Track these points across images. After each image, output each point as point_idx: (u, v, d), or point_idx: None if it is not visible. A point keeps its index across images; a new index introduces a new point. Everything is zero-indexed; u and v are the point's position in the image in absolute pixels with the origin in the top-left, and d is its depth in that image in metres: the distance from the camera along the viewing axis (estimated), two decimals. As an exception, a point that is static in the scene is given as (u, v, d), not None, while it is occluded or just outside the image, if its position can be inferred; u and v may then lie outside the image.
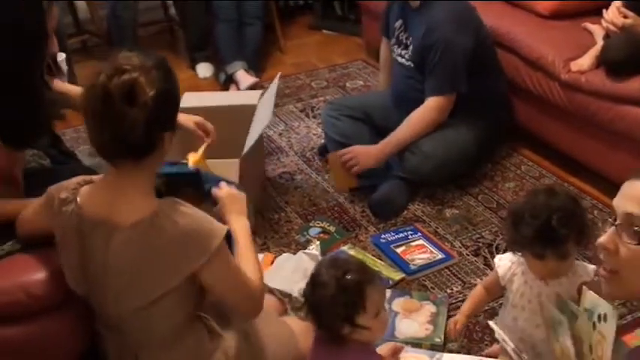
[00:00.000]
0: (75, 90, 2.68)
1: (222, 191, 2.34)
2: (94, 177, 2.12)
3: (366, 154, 3.44)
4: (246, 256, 2.20)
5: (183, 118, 2.74)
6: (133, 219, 1.99)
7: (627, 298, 1.70)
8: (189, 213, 2.03)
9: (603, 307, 1.73)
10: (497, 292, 2.46)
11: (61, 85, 2.78)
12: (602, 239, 1.67)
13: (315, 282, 2.13)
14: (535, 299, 2.31)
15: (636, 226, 1.62)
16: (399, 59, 3.63)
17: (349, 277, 2.11)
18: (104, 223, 2.01)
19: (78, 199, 2.06)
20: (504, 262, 2.38)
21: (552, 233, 2.13)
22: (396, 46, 3.65)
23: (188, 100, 3.68)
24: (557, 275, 2.27)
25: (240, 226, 2.27)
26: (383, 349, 2.44)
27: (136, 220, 1.99)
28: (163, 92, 1.95)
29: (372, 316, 2.11)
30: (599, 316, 1.75)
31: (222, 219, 2.24)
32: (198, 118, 2.95)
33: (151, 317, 2.10)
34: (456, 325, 2.47)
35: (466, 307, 2.51)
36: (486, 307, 2.81)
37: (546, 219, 2.13)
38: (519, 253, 2.30)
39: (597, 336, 1.76)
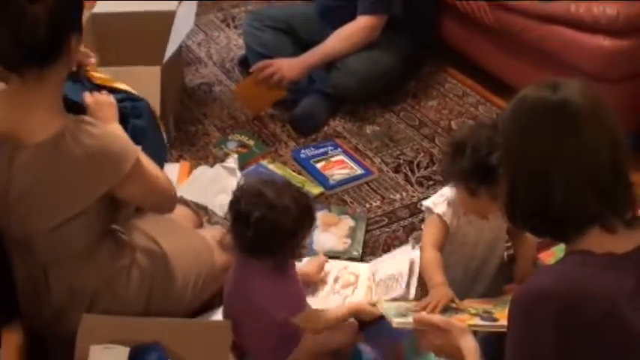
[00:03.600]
0: None
1: (90, 98, 2.23)
2: None
3: (288, 65, 3.34)
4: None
5: None
6: (38, 138, 1.90)
7: None
8: (98, 134, 1.95)
9: None
10: (446, 240, 2.30)
11: None
12: None
13: (272, 208, 2.04)
14: (479, 235, 2.29)
15: None
16: (329, -29, 3.53)
17: (304, 197, 2.13)
18: (7, 140, 1.92)
19: None
20: (443, 207, 2.26)
21: (489, 171, 2.02)
22: (325, -41, 3.54)
23: (105, 4, 3.54)
24: (489, 214, 2.22)
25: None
26: (309, 266, 2.43)
27: (42, 139, 1.90)
28: None
29: None
30: None
31: None
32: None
33: (61, 237, 2.03)
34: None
35: (440, 278, 2.19)
36: (405, 224, 2.81)
37: (486, 155, 2.04)
38: (452, 184, 2.22)
39: None
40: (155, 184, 2.11)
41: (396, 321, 2.06)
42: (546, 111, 1.52)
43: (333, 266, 2.53)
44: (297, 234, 2.10)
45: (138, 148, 2.04)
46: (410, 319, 2.03)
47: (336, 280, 2.49)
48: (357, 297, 2.43)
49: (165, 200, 2.21)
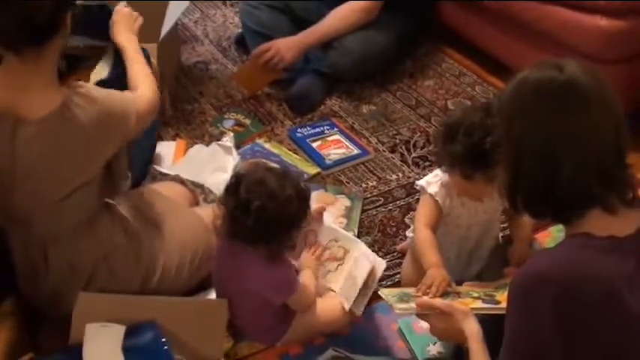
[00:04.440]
0: None
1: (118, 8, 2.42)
2: None
3: (286, 47, 3.32)
4: (138, 71, 2.29)
5: None
6: (41, 112, 1.91)
7: None
8: (98, 97, 1.98)
9: None
10: (441, 220, 2.29)
11: None
12: None
13: (274, 198, 2.03)
14: (472, 217, 2.28)
15: None
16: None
17: (303, 187, 2.12)
18: (6, 117, 1.92)
19: None
20: (436, 187, 2.25)
21: (483, 155, 2.00)
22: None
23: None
24: (483, 196, 2.21)
25: (130, 43, 2.37)
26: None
27: (46, 113, 1.91)
28: None
29: None
30: None
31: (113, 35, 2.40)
32: None
33: (64, 210, 2.05)
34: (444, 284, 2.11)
35: (434, 258, 2.18)
36: (402, 203, 2.81)
37: (479, 140, 2.01)
38: (444, 168, 2.20)
39: None
40: (150, 113, 2.20)
41: (399, 307, 2.05)
42: (554, 90, 1.51)
43: (325, 233, 2.44)
44: (297, 225, 2.09)
45: (134, 99, 2.11)
46: (412, 305, 2.03)
47: (324, 249, 2.43)
48: (338, 274, 2.38)
49: (153, 112, 2.27)
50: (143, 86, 2.22)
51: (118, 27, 2.39)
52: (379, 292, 2.22)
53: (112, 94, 2.05)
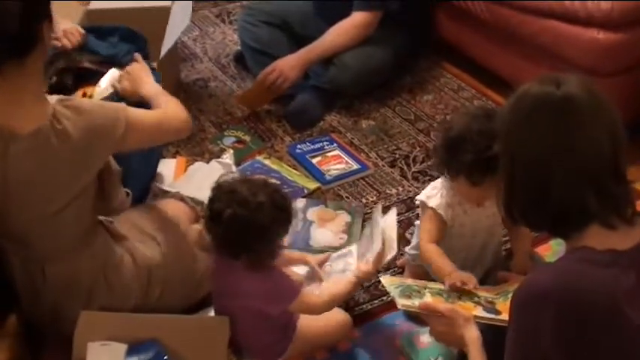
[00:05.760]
0: None
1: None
2: None
3: (289, 66, 3.33)
4: (165, 102, 2.32)
5: None
6: (31, 126, 1.92)
7: None
8: (86, 108, 2.00)
9: None
10: (445, 232, 2.29)
11: None
12: None
13: (245, 205, 2.02)
14: (475, 224, 2.29)
15: None
16: (325, -34, 3.52)
17: (280, 195, 2.09)
18: (1, 134, 1.92)
19: None
20: (437, 200, 2.25)
21: (493, 161, 1.95)
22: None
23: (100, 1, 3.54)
24: (488, 199, 2.22)
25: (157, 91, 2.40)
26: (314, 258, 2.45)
27: (36, 127, 1.92)
28: None
29: None
30: None
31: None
32: None
33: (59, 224, 2.04)
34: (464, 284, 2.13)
35: (449, 266, 2.19)
36: (402, 218, 2.81)
37: (486, 146, 1.99)
38: (446, 176, 2.21)
39: None
40: (158, 126, 2.19)
41: (402, 303, 2.05)
42: (550, 106, 1.52)
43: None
44: (269, 230, 2.06)
45: (124, 107, 2.10)
46: (415, 303, 2.03)
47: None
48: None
49: (180, 129, 2.31)
50: (164, 105, 2.28)
51: (136, 80, 2.46)
52: (381, 279, 2.23)
53: (102, 105, 2.07)
